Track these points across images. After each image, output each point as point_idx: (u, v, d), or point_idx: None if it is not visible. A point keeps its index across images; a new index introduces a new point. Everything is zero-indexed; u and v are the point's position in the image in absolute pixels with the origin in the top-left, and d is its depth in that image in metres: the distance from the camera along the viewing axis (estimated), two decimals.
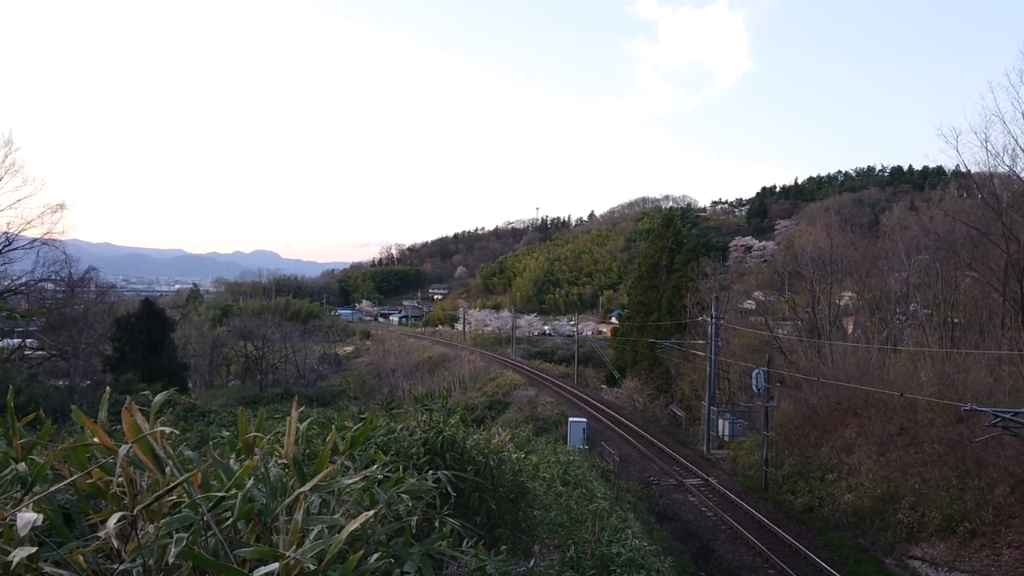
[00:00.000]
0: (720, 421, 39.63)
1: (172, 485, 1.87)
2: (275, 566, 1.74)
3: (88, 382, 43.21)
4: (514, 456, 6.33)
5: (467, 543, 3.54)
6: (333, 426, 3.69)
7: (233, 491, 2.06)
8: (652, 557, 12.68)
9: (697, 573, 21.47)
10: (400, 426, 4.91)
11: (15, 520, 1.68)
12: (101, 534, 1.75)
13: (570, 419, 40.38)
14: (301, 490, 2.03)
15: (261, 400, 53.74)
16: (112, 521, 1.72)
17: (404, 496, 3.12)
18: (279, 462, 2.40)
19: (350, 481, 2.40)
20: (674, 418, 48.03)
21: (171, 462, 2.01)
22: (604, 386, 66.50)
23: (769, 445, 30.41)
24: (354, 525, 2.03)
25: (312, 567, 1.84)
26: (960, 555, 20.37)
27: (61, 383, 42.71)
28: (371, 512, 2.23)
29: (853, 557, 22.39)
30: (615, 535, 11.10)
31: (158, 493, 1.84)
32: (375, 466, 3.11)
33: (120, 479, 1.87)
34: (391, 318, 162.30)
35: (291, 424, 2.39)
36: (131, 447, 1.88)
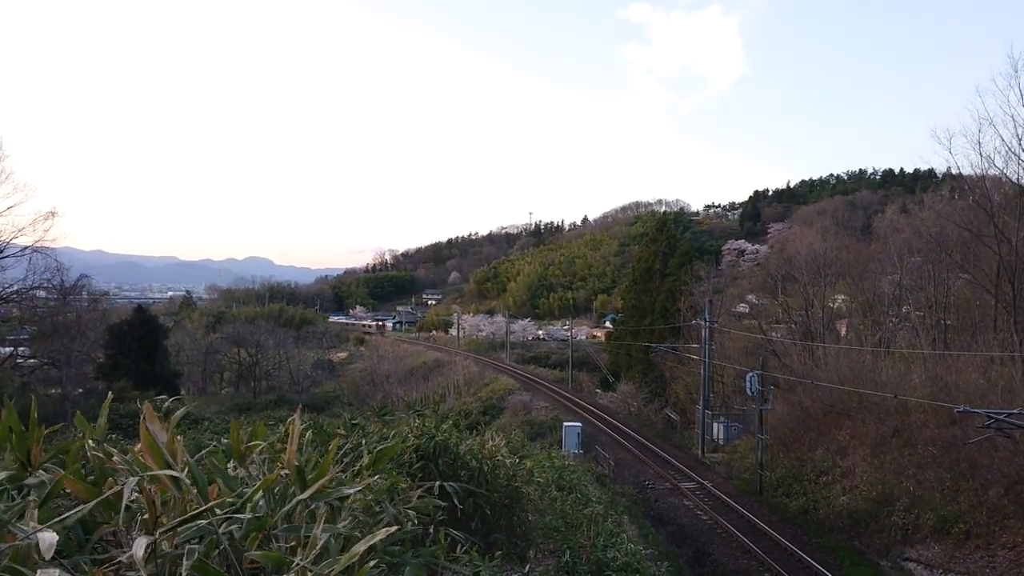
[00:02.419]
0: (714, 424, 39.65)
1: (199, 511, 1.85)
2: None
3: (81, 390, 43.00)
4: (508, 461, 6.32)
5: (461, 549, 3.53)
6: (337, 436, 3.67)
7: (239, 503, 2.04)
8: (648, 562, 12.65)
9: None
10: (393, 432, 4.88)
11: (34, 539, 1.68)
12: (123, 558, 1.74)
13: (565, 424, 40.34)
14: (300, 497, 2.02)
15: (255, 407, 53.61)
16: (140, 549, 1.71)
17: (411, 512, 3.11)
18: (282, 472, 2.38)
19: (352, 491, 2.38)
20: (669, 422, 48.04)
21: (186, 480, 1.99)
22: (598, 390, 66.50)
23: (763, 448, 30.43)
24: (372, 541, 2.01)
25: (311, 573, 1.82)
26: (955, 557, 20.40)
27: (53, 391, 42.48)
28: (392, 529, 2.22)
29: (848, 559, 22.41)
30: (610, 540, 11.07)
31: (182, 518, 1.82)
32: (375, 476, 3.10)
33: (142, 500, 1.86)
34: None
35: (294, 432, 2.37)
36: (150, 469, 1.87)
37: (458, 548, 3.57)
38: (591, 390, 67.87)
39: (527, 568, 5.56)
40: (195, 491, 1.97)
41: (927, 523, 21.96)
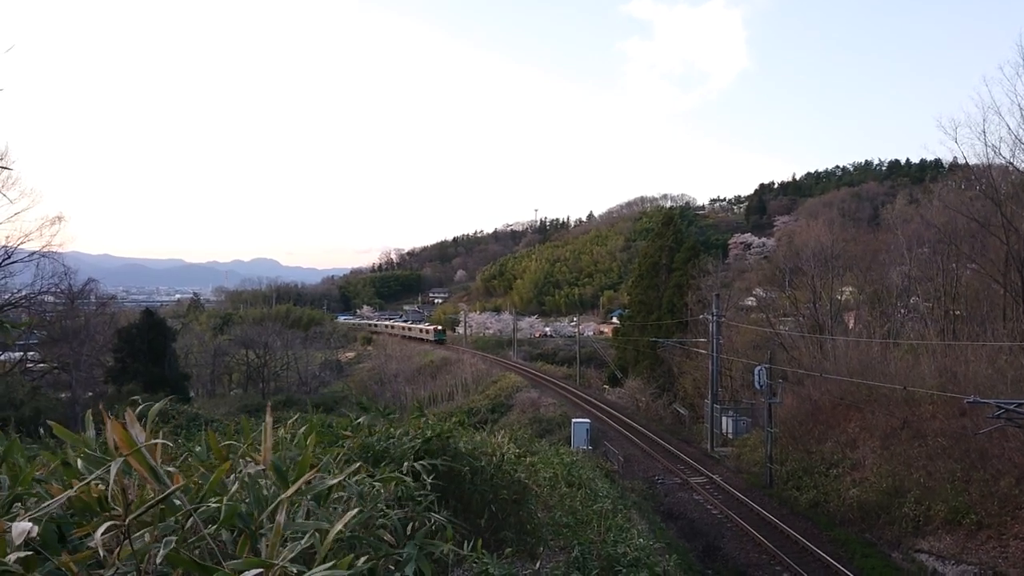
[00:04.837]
0: (723, 419, 39.59)
1: (163, 495, 1.86)
2: (257, 570, 1.74)
3: (90, 394, 43.18)
4: (511, 455, 6.30)
5: (468, 545, 3.53)
6: (313, 430, 3.65)
7: (214, 496, 2.05)
8: (658, 556, 12.64)
9: (704, 571, 21.42)
10: (399, 431, 4.88)
11: (9, 531, 1.70)
12: (90, 543, 1.76)
13: (573, 420, 40.36)
14: (283, 496, 2.02)
15: (264, 408, 53.69)
16: (99, 531, 1.72)
17: (376, 485, 3.10)
18: (258, 469, 2.37)
19: (332, 481, 2.38)
20: (677, 417, 48.00)
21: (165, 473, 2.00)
22: (606, 386, 66.50)
23: (773, 441, 30.37)
24: (339, 526, 2.02)
25: (294, 571, 1.82)
26: (967, 547, 20.34)
27: (64, 395, 42.70)
28: (354, 511, 2.22)
29: (860, 552, 22.35)
30: (620, 535, 11.05)
31: (149, 503, 1.83)
32: (354, 465, 3.08)
33: (114, 490, 1.87)
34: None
35: (267, 431, 2.36)
36: (124, 459, 1.87)
37: (465, 544, 3.56)
38: (599, 386, 67.87)
39: (538, 565, 5.56)
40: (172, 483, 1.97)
41: (938, 514, 21.88)
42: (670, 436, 41.60)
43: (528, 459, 8.95)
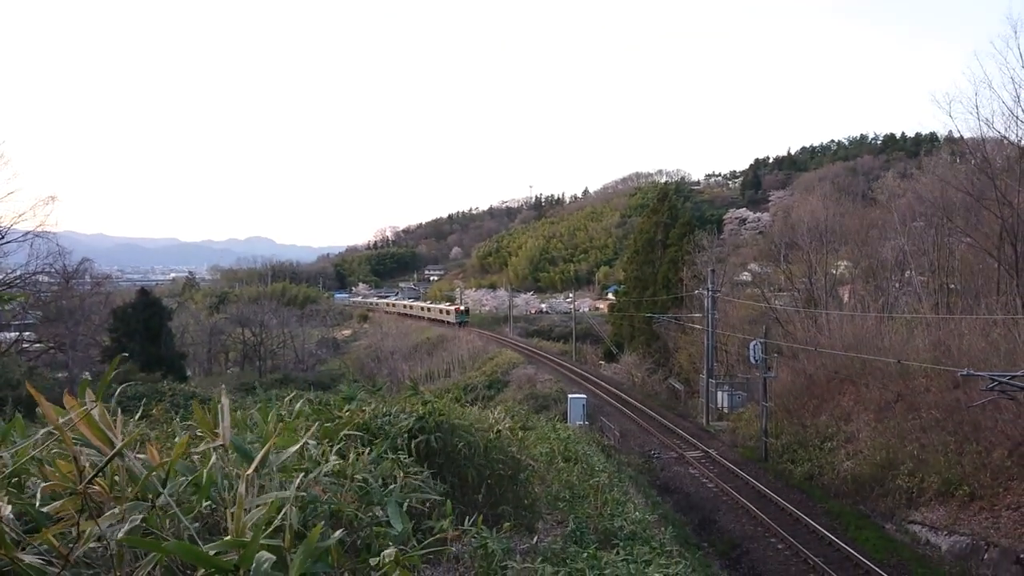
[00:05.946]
0: (719, 393, 39.77)
1: (113, 453, 1.87)
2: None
3: (87, 373, 43.12)
4: (503, 429, 6.33)
5: (468, 520, 3.56)
6: (265, 408, 3.65)
7: (185, 472, 2.07)
8: (654, 529, 12.75)
9: (700, 544, 21.64)
10: (395, 408, 4.90)
11: None
12: (47, 508, 1.78)
13: (569, 396, 40.48)
14: (249, 470, 2.03)
15: (259, 386, 53.76)
16: (37, 494, 1.75)
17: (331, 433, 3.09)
18: (217, 445, 2.36)
19: (292, 449, 2.39)
20: (673, 392, 48.22)
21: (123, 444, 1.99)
22: (602, 362, 66.70)
23: (768, 415, 30.55)
24: (292, 490, 2.04)
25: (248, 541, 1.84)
26: (959, 518, 20.55)
27: (60, 375, 42.67)
28: (305, 472, 2.23)
29: (854, 524, 22.59)
30: (617, 509, 11.14)
31: (100, 465, 1.84)
32: (308, 433, 3.09)
33: (43, 461, 1.89)
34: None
35: (224, 410, 2.36)
36: (75, 424, 1.88)
37: (466, 520, 3.60)
38: (595, 362, 68.08)
39: (535, 539, 5.61)
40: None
41: (931, 486, 22.08)
42: (666, 411, 41.81)
43: (522, 434, 9.01)
